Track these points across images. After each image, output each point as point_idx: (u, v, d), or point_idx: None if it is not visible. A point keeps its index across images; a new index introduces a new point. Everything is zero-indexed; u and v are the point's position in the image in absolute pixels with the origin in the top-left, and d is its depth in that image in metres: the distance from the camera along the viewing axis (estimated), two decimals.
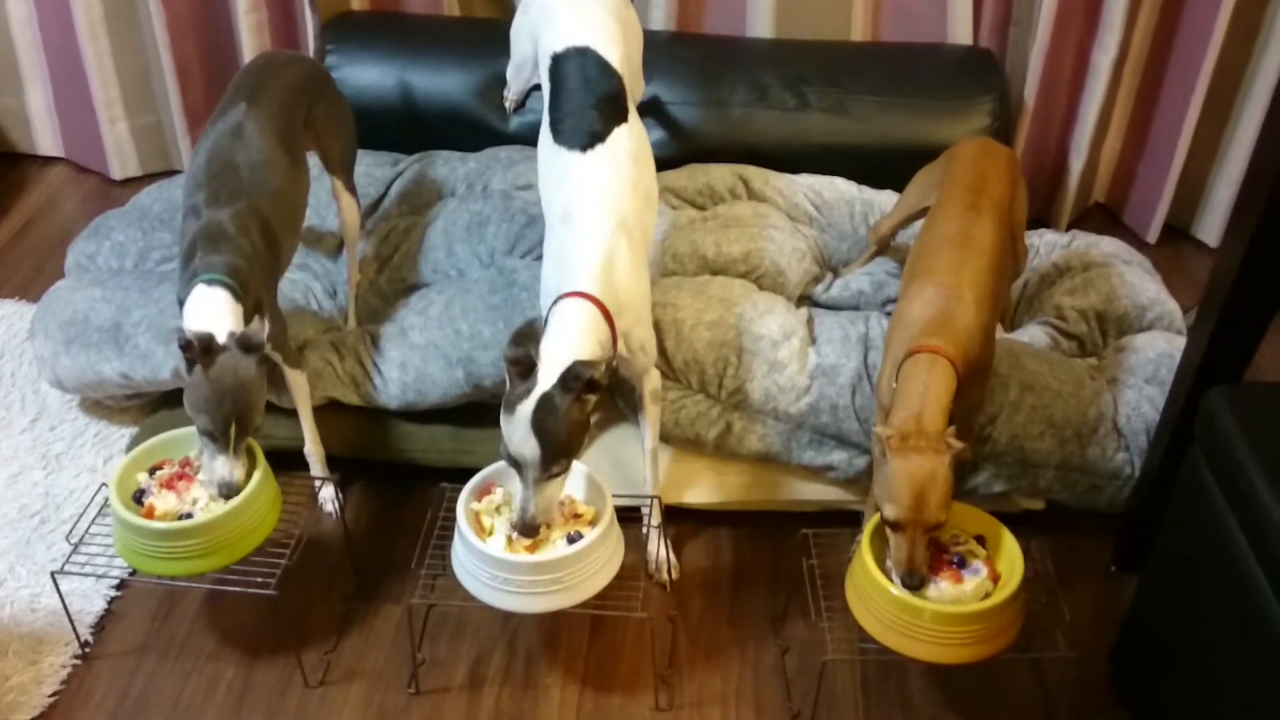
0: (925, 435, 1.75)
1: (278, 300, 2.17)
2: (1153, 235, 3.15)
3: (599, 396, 1.83)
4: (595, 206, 2.01)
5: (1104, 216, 3.29)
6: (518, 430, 1.77)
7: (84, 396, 2.56)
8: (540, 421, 1.76)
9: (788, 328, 2.29)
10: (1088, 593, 2.20)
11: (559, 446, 1.78)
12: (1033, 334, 2.46)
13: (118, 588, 2.21)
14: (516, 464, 1.80)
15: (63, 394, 2.58)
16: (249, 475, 1.96)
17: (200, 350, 1.86)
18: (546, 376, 1.79)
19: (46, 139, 3.47)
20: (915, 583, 1.75)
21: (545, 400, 1.77)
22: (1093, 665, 2.05)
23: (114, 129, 3.31)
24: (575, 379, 1.77)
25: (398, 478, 2.42)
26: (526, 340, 1.85)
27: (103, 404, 2.56)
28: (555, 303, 1.90)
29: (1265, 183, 1.71)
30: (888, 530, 1.77)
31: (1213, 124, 3.00)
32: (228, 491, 1.90)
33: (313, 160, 2.39)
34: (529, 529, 1.81)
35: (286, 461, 2.31)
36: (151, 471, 2.02)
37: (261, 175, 2.10)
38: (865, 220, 2.68)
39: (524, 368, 1.81)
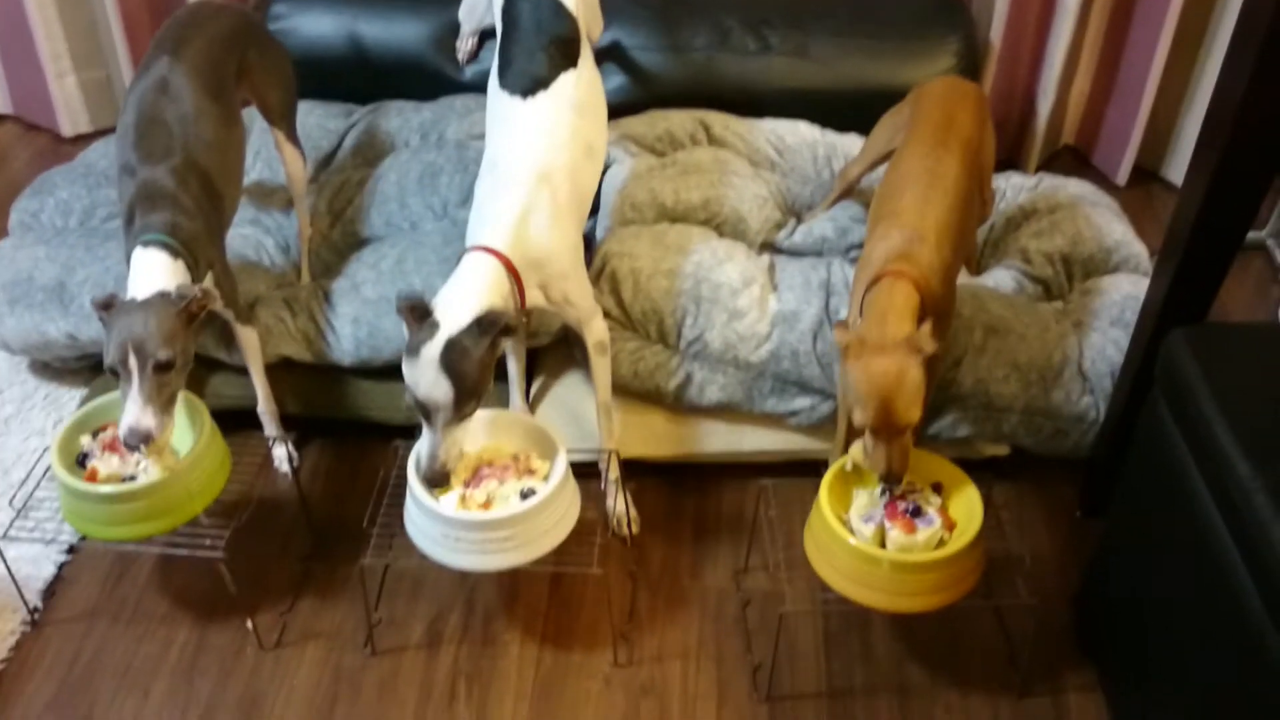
0: (889, 337, 1.72)
1: (226, 255, 2.11)
2: (1122, 177, 3.11)
3: (508, 338, 1.81)
4: (522, 158, 1.95)
5: (1073, 159, 3.25)
6: (426, 373, 1.74)
7: (32, 358, 2.51)
8: (451, 363, 1.73)
9: (747, 275, 2.24)
10: (1053, 540, 2.19)
11: (470, 388, 1.75)
12: (998, 278, 2.43)
13: (68, 552, 2.17)
14: (425, 410, 1.77)
15: (10, 356, 2.52)
16: (196, 435, 1.92)
17: (101, 307, 1.82)
18: (449, 321, 1.75)
19: None
20: (893, 481, 1.74)
21: (453, 343, 1.74)
22: (1057, 612, 2.04)
23: (62, 84, 3.23)
24: (491, 324, 1.75)
25: (355, 436, 2.38)
26: (416, 293, 1.81)
27: (51, 366, 2.51)
28: (463, 254, 1.87)
29: (1225, 120, 1.66)
30: (866, 435, 1.74)
31: (1181, 64, 2.95)
32: (133, 439, 1.78)
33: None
34: (439, 477, 1.79)
35: (240, 421, 2.27)
36: (95, 434, 1.98)
37: (193, 128, 2.03)
38: (829, 164, 2.63)
39: (420, 313, 1.77)
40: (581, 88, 2.08)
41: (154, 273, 1.87)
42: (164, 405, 1.81)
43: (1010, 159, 3.14)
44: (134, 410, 1.78)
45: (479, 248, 1.86)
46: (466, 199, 2.48)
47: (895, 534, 1.75)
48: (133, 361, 1.77)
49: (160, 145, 1.99)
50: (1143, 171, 3.14)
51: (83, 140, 3.25)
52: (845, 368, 1.74)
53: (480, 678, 1.96)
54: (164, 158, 1.98)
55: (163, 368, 1.79)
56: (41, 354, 2.43)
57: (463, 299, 1.78)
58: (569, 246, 1.97)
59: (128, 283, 1.87)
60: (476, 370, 1.75)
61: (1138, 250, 2.45)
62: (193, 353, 1.88)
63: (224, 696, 1.93)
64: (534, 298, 1.93)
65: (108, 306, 1.82)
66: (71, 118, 3.29)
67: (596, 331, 2.07)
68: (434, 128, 2.70)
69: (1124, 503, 1.83)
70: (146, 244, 1.89)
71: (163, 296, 1.82)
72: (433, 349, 1.73)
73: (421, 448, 1.81)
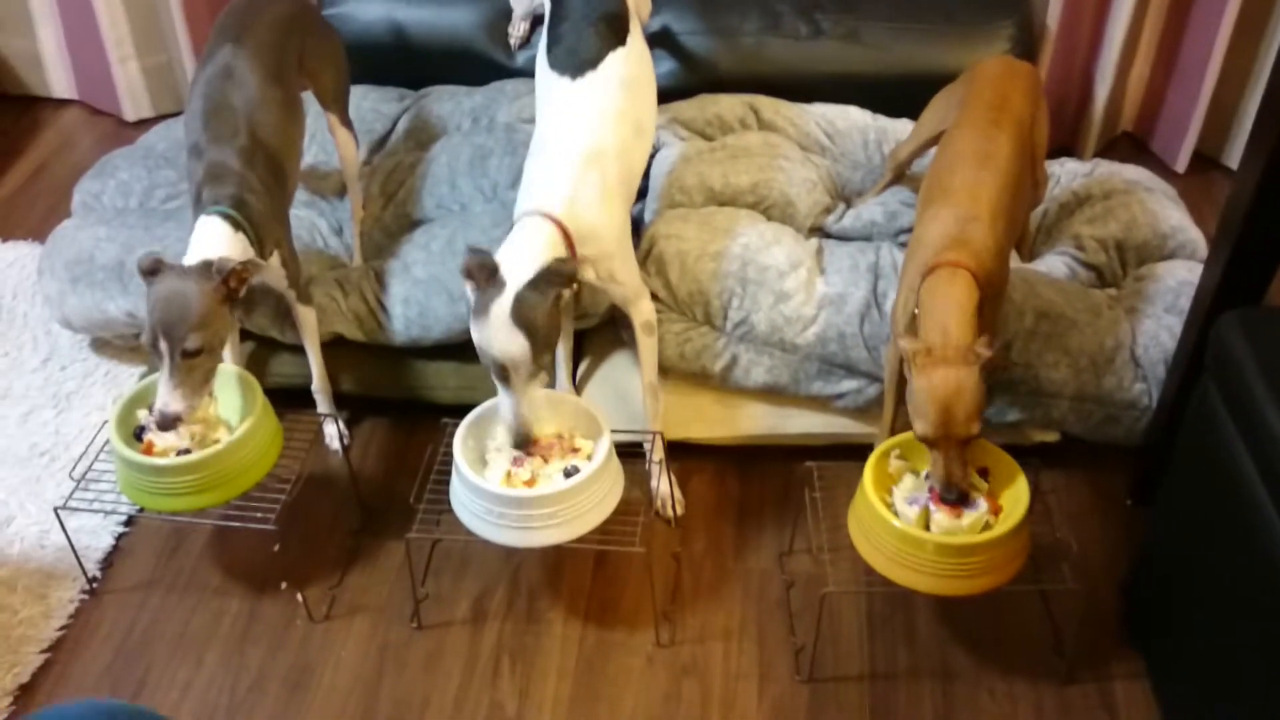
0: (952, 347, 1.71)
1: (291, 236, 2.15)
2: (1181, 164, 3.06)
3: (572, 291, 1.83)
4: (572, 139, 1.96)
5: (1131, 146, 3.20)
6: (500, 330, 1.75)
7: (93, 336, 2.57)
8: (523, 317, 1.74)
9: (795, 258, 2.24)
10: (1103, 527, 2.16)
11: (543, 339, 1.76)
12: (1051, 264, 2.40)
13: (126, 524, 2.22)
14: (502, 370, 1.78)
15: (73, 334, 2.58)
16: (249, 412, 1.95)
17: (144, 271, 1.85)
18: (515, 277, 1.76)
19: (60, 81, 3.46)
20: (953, 496, 1.73)
21: (522, 296, 1.75)
22: (1105, 600, 2.02)
23: (125, 69, 3.29)
24: (555, 274, 1.76)
25: (406, 415, 2.41)
26: (484, 249, 1.82)
27: (112, 343, 2.57)
28: (519, 218, 1.88)
29: None
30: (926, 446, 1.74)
31: (1244, 47, 2.89)
32: (163, 422, 1.83)
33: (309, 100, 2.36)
34: (526, 440, 1.80)
35: (296, 399, 2.31)
36: (151, 408, 2.02)
37: (258, 112, 2.08)
38: (879, 149, 2.62)
39: (488, 272, 1.78)
40: (631, 66, 2.09)
41: (210, 241, 1.91)
42: (195, 387, 1.85)
43: (1067, 145, 3.09)
44: (164, 394, 1.84)
45: (534, 213, 1.86)
46: (516, 181, 2.49)
47: (940, 517, 1.74)
48: (163, 345, 1.82)
49: (227, 128, 2.03)
50: (1203, 158, 3.08)
51: (145, 124, 3.30)
52: (913, 376, 1.73)
53: (524, 654, 1.98)
54: (231, 139, 2.02)
55: (191, 354, 1.82)
56: (102, 331, 2.49)
57: (525, 255, 1.80)
58: (617, 225, 1.98)
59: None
60: (546, 321, 1.76)
61: (1194, 237, 2.41)
62: (227, 331, 1.91)
63: (274, 666, 1.97)
64: (583, 271, 1.94)
65: (154, 271, 1.85)
66: (134, 102, 3.35)
67: (644, 312, 2.07)
68: (484, 111, 2.72)
69: (1173, 489, 1.81)
70: (210, 213, 1.93)
71: (203, 271, 1.84)
72: (503, 305, 1.74)
73: (504, 412, 1.81)
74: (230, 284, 1.85)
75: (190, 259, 1.89)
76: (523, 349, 1.74)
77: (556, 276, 1.77)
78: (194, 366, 1.84)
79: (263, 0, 2.24)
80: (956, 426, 1.68)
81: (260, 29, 2.17)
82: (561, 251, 1.84)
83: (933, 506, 1.75)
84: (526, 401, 1.79)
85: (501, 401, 1.82)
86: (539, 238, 1.83)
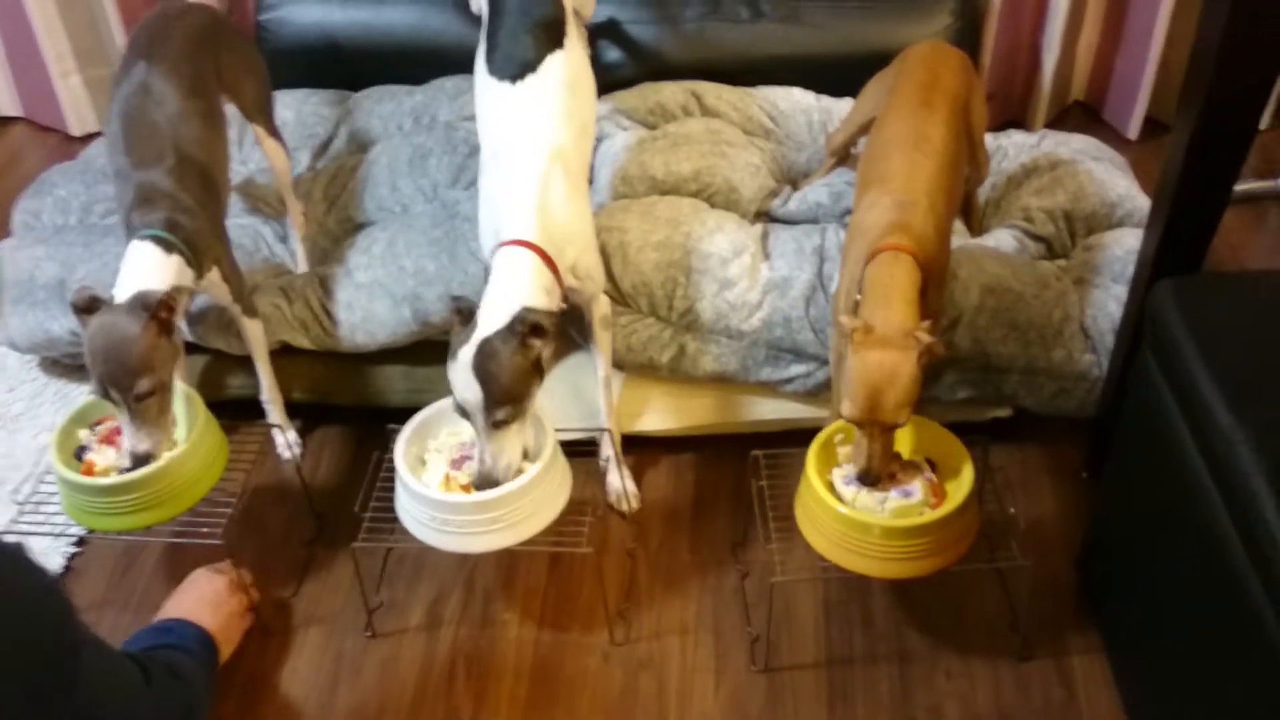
0: (893, 329, 1.68)
1: (231, 251, 2.12)
2: (1134, 131, 3.05)
3: (547, 343, 1.77)
4: (527, 143, 1.94)
5: (1084, 115, 3.19)
6: (461, 375, 1.73)
7: (40, 356, 2.54)
8: (481, 365, 1.71)
9: (738, 244, 2.22)
10: (1058, 502, 2.16)
11: (502, 390, 1.72)
12: (999, 238, 2.38)
13: (77, 545, 2.20)
14: (464, 412, 1.76)
15: (21, 355, 2.55)
16: (191, 427, 1.93)
17: (78, 309, 1.81)
18: (487, 322, 1.74)
19: (3, 98, 3.42)
20: (870, 481, 1.71)
21: (485, 344, 1.72)
22: (1062, 575, 2.01)
23: (67, 83, 3.25)
24: (520, 323, 1.72)
25: (358, 422, 2.39)
26: (461, 299, 1.80)
27: (60, 363, 2.54)
28: (495, 250, 1.85)
29: (1206, 67, 1.62)
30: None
31: (1190, 8, 2.87)
32: (134, 461, 1.83)
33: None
34: (486, 481, 1.76)
35: (244, 411, 2.29)
36: (93, 427, 2.00)
37: (183, 127, 2.04)
38: (824, 129, 2.60)
39: (465, 315, 1.77)
40: (570, 68, 2.07)
41: (140, 269, 1.87)
42: (156, 420, 1.84)
43: (1016, 118, 3.08)
44: (129, 438, 1.83)
45: (509, 242, 1.83)
46: (455, 179, 2.47)
47: (862, 495, 1.74)
48: (115, 394, 1.80)
49: (152, 148, 2.00)
50: (1155, 124, 3.07)
51: (92, 139, 3.27)
52: (848, 354, 1.71)
53: (479, 658, 1.97)
54: (158, 160, 1.99)
55: (144, 396, 1.80)
56: (48, 351, 2.46)
57: (503, 299, 1.76)
58: (587, 220, 1.98)
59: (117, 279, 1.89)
60: (508, 373, 1.71)
61: (1141, 204, 2.40)
62: (174, 359, 1.88)
63: (230, 679, 1.95)
64: (565, 279, 1.90)
65: (89, 309, 1.82)
66: (79, 116, 3.32)
67: (603, 305, 2.06)
68: (425, 110, 2.70)
69: (1118, 461, 1.80)
70: (142, 238, 1.90)
71: (134, 309, 1.80)
72: (467, 351, 1.72)
73: (476, 451, 1.79)
74: (161, 316, 1.81)
75: (120, 289, 1.85)
76: (477, 397, 1.71)
77: (524, 325, 1.71)
78: (149, 404, 1.83)
79: (171, 14, 2.20)
80: (883, 413, 1.66)
81: (173, 43, 2.13)
82: (545, 286, 1.80)
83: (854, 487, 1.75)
84: (493, 447, 1.75)
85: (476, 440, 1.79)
86: (518, 277, 1.79)
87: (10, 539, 1.96)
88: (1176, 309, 1.56)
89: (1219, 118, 1.65)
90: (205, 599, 1.88)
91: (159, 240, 1.90)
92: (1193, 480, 1.49)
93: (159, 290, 1.83)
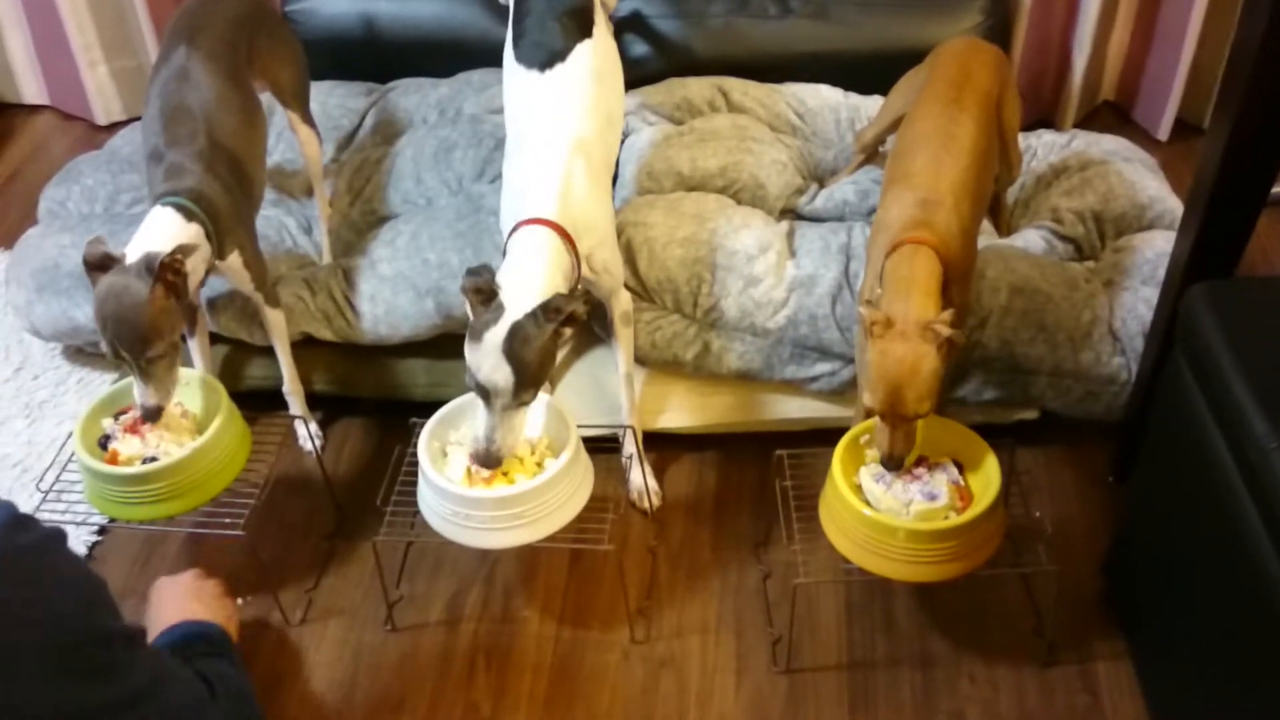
0: (912, 321, 1.67)
1: (256, 240, 2.12)
2: (1164, 132, 3.01)
3: (574, 330, 1.76)
4: (552, 130, 1.93)
5: (1114, 115, 3.16)
6: (488, 358, 1.71)
7: (65, 344, 2.55)
8: (514, 349, 1.69)
9: (764, 241, 2.21)
10: (1084, 506, 2.13)
11: (531, 375, 1.71)
12: (1028, 239, 2.36)
13: (99, 533, 2.20)
14: (485, 393, 1.74)
15: (45, 343, 2.56)
16: (214, 416, 1.93)
17: (89, 264, 1.81)
18: (515, 304, 1.72)
19: (31, 87, 3.43)
20: (894, 466, 1.71)
21: (518, 328, 1.70)
22: (1088, 580, 1.99)
23: (94, 73, 3.26)
24: (555, 311, 1.70)
25: (380, 414, 2.39)
26: (484, 270, 1.78)
27: (84, 351, 2.55)
28: (514, 230, 1.84)
29: (1244, 70, 1.60)
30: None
31: (1224, 9, 2.84)
32: (148, 415, 1.85)
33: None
34: (492, 460, 1.75)
35: (267, 401, 2.29)
36: (117, 416, 2.00)
37: (217, 114, 2.04)
38: (852, 127, 2.58)
39: (485, 295, 1.74)
40: (598, 58, 2.06)
41: (157, 229, 1.86)
42: (165, 377, 1.84)
43: (1046, 118, 3.05)
44: (140, 393, 1.84)
45: (530, 220, 1.82)
46: (481, 173, 2.47)
47: (917, 500, 1.72)
48: (125, 354, 1.80)
49: (185, 131, 2.00)
50: (1186, 126, 3.03)
51: (117, 128, 3.27)
52: (865, 347, 1.69)
53: (499, 654, 1.96)
54: (189, 142, 1.99)
55: (154, 359, 1.81)
56: (72, 339, 2.47)
57: (528, 280, 1.74)
58: (606, 213, 1.96)
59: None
60: (538, 357, 1.70)
61: (1172, 206, 2.37)
62: (183, 321, 1.88)
63: (249, 671, 1.93)
64: (581, 269, 1.89)
65: (100, 267, 1.81)
66: (105, 106, 3.32)
67: (624, 302, 2.05)
68: (451, 103, 2.70)
69: (1148, 466, 1.78)
70: (165, 204, 1.90)
71: (140, 272, 1.79)
72: (497, 334, 1.69)
73: (479, 429, 1.76)
74: (168, 278, 1.80)
75: (132, 247, 1.84)
76: (507, 380, 1.69)
77: (555, 314, 1.70)
78: (159, 364, 1.83)
79: (215, 0, 2.21)
80: (905, 406, 1.65)
81: (214, 29, 2.13)
82: (565, 268, 1.79)
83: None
84: (504, 428, 1.73)
85: (479, 415, 1.77)
86: (540, 257, 1.78)
87: None
88: (1211, 313, 1.53)
89: (1256, 120, 1.63)
90: (184, 596, 1.84)
91: (181, 208, 1.89)
92: (1224, 486, 1.47)
93: (161, 252, 1.80)
